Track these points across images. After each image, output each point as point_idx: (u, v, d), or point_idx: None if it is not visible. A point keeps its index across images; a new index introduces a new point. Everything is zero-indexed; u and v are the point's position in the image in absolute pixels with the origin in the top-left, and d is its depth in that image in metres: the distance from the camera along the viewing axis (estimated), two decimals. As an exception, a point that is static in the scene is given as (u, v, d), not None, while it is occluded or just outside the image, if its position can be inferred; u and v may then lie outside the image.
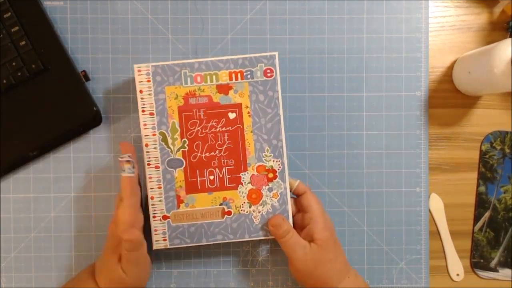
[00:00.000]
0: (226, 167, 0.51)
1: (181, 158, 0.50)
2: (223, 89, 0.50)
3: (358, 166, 0.57)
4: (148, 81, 0.50)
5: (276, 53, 0.50)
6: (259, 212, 0.51)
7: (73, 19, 0.55)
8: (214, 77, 0.50)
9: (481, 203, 0.58)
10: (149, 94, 0.50)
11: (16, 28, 0.52)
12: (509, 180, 0.58)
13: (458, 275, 0.58)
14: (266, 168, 0.51)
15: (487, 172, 0.58)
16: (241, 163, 0.51)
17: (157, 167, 0.51)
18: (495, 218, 0.58)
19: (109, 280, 0.47)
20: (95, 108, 0.53)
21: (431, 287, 0.58)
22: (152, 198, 0.51)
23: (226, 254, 0.56)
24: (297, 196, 0.52)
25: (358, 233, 0.57)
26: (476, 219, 0.59)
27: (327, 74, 0.57)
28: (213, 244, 0.53)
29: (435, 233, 0.58)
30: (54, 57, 0.53)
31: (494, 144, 0.58)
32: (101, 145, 0.56)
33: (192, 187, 0.51)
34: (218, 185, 0.51)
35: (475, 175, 0.59)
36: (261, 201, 0.51)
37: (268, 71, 0.50)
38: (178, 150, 0.50)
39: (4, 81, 0.52)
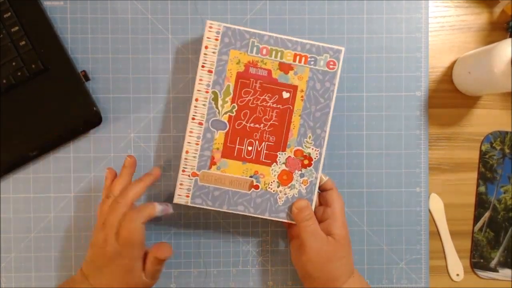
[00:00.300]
0: (266, 142, 0.51)
1: (226, 122, 0.51)
2: (285, 67, 0.51)
3: (358, 166, 0.57)
4: (216, 39, 0.51)
5: (343, 48, 0.51)
6: (285, 194, 0.51)
7: (73, 19, 0.55)
8: (279, 53, 0.51)
9: (481, 203, 0.58)
10: (213, 52, 0.51)
11: (16, 28, 0.52)
12: (509, 180, 0.58)
13: (458, 275, 0.58)
14: (304, 154, 0.51)
15: (487, 172, 0.58)
16: (282, 142, 0.51)
17: (200, 123, 0.51)
18: (495, 218, 0.58)
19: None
20: (95, 108, 0.53)
21: (431, 287, 0.58)
22: (187, 152, 0.51)
23: (226, 254, 0.56)
24: (322, 191, 0.53)
25: (358, 233, 0.57)
26: (476, 219, 0.59)
27: (327, 74, 0.57)
28: (233, 213, 0.54)
29: (435, 233, 0.58)
30: (54, 57, 0.53)
31: (494, 144, 0.58)
32: (101, 145, 0.56)
33: (228, 152, 0.51)
34: (254, 157, 0.51)
35: (475, 175, 0.59)
36: (290, 184, 0.51)
37: (331, 63, 0.51)
38: (226, 113, 0.51)
39: (4, 81, 0.52)
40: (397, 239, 0.57)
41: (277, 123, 0.51)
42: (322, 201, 0.53)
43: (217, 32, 0.51)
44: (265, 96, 0.51)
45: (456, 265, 0.58)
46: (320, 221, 0.51)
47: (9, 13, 0.52)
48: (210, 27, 0.51)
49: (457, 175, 0.58)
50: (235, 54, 0.51)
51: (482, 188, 0.58)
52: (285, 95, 0.51)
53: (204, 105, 0.51)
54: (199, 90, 0.51)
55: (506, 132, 0.58)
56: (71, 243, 0.55)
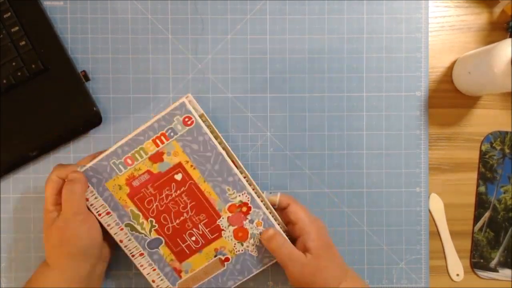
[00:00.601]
0: (201, 223, 0.50)
1: (158, 236, 0.50)
2: (156, 158, 0.48)
3: (358, 166, 0.57)
4: (88, 186, 0.49)
5: (184, 98, 0.47)
6: (252, 245, 0.51)
7: (73, 19, 0.55)
8: (141, 152, 0.48)
9: (481, 203, 0.58)
10: (95, 198, 0.49)
11: (16, 28, 0.52)
12: (509, 180, 0.58)
13: (458, 275, 0.58)
14: (237, 205, 0.50)
15: (487, 172, 0.58)
16: (212, 212, 0.50)
17: (141, 254, 0.51)
18: (495, 218, 0.58)
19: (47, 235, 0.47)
20: (95, 108, 0.53)
21: (431, 287, 0.58)
22: (153, 281, 0.52)
23: (226, 254, 0.56)
24: (282, 210, 0.52)
25: (358, 233, 0.57)
26: (476, 219, 0.59)
27: (327, 74, 0.57)
28: None
29: (435, 233, 0.58)
30: (54, 57, 0.53)
31: (494, 144, 0.58)
32: (101, 145, 0.56)
33: (182, 255, 0.51)
34: (203, 242, 0.51)
35: (475, 175, 0.59)
36: (249, 235, 0.51)
37: (187, 119, 0.48)
38: (151, 230, 0.50)
39: (4, 81, 0.52)
40: (397, 239, 0.57)
41: (195, 202, 0.50)
42: (287, 219, 0.51)
43: (85, 181, 0.49)
44: (165, 192, 0.49)
45: (456, 265, 0.58)
46: (294, 239, 0.50)
47: (9, 13, 0.52)
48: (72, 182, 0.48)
49: (457, 175, 0.58)
50: (111, 184, 0.49)
51: (482, 188, 0.59)
52: (178, 177, 0.49)
53: (129, 240, 0.50)
54: (116, 233, 0.50)
55: (506, 132, 0.58)
56: (71, 243, 0.55)
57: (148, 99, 0.56)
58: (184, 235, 0.51)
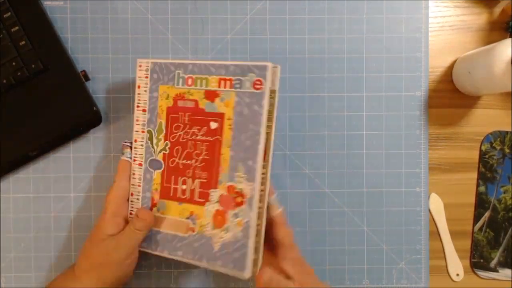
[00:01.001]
0: (199, 179, 0.47)
1: (161, 160, 0.49)
2: (210, 95, 0.46)
3: (358, 166, 0.57)
4: (146, 77, 0.49)
5: (269, 64, 0.44)
6: (221, 237, 0.46)
7: (73, 19, 0.55)
8: (204, 81, 0.47)
9: (481, 203, 0.58)
10: (145, 91, 0.49)
11: (16, 28, 0.52)
12: (509, 180, 0.58)
13: (458, 275, 0.58)
14: (236, 190, 0.46)
15: (487, 172, 0.58)
16: (213, 178, 0.47)
17: (140, 164, 0.50)
18: (495, 218, 0.58)
19: (96, 252, 0.47)
20: (95, 108, 0.53)
21: (431, 287, 0.58)
22: (132, 194, 0.50)
23: (226, 254, 0.56)
24: (270, 223, 0.48)
25: (358, 233, 0.57)
26: (476, 219, 0.59)
27: (327, 74, 0.57)
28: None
29: (435, 233, 0.58)
30: (54, 57, 0.53)
31: (494, 144, 0.58)
32: (101, 145, 0.56)
33: (165, 192, 0.49)
34: (188, 196, 0.48)
35: (475, 175, 0.59)
36: (224, 226, 0.46)
37: (258, 82, 0.44)
38: (160, 151, 0.49)
39: (4, 81, 0.52)
40: (397, 239, 0.57)
41: (208, 157, 0.46)
42: (270, 234, 0.48)
43: (146, 70, 0.49)
44: (194, 129, 0.47)
45: (456, 265, 0.58)
46: (278, 263, 0.47)
47: (9, 13, 0.52)
48: (140, 66, 0.49)
49: (457, 175, 0.58)
50: (163, 89, 0.48)
51: (482, 188, 0.59)
52: (213, 125, 0.46)
53: (142, 145, 0.49)
54: (136, 131, 0.49)
55: (506, 132, 0.58)
56: (71, 243, 0.55)
57: (148, 99, 0.56)
58: (179, 178, 0.48)
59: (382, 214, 0.57)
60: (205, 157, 0.47)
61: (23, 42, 0.52)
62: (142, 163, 0.50)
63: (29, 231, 0.55)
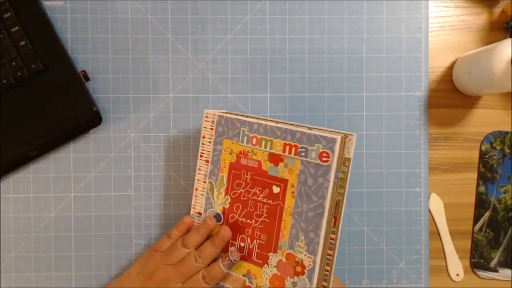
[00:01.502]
0: (258, 240, 0.47)
1: (221, 213, 0.49)
2: (275, 159, 0.46)
3: (358, 166, 0.57)
4: (212, 128, 0.49)
5: (338, 137, 0.42)
6: None
7: (73, 19, 0.55)
8: (269, 143, 0.46)
9: (481, 203, 0.58)
10: (209, 142, 0.49)
11: (16, 28, 0.52)
12: (509, 180, 0.58)
13: (458, 275, 0.58)
14: (296, 259, 0.45)
15: (487, 172, 0.58)
16: (273, 242, 0.46)
17: (199, 213, 0.51)
18: (495, 218, 0.58)
19: None
20: (95, 108, 0.53)
21: (431, 287, 0.58)
22: None
23: (226, 254, 0.56)
24: None
25: (358, 233, 0.57)
26: (476, 219, 0.59)
27: (327, 74, 0.57)
28: None
29: (435, 233, 0.58)
30: (54, 57, 0.53)
31: (494, 144, 0.58)
32: (101, 145, 0.56)
33: (224, 246, 0.49)
34: (246, 255, 0.48)
35: (475, 175, 0.59)
36: None
37: (324, 154, 0.43)
38: (220, 204, 0.49)
39: (4, 81, 0.52)
40: (397, 239, 0.57)
41: (268, 220, 0.46)
42: None
43: (212, 122, 0.49)
44: (256, 189, 0.47)
45: (456, 265, 0.58)
46: None
47: (9, 13, 0.52)
48: (206, 116, 0.50)
49: (457, 175, 0.58)
50: (228, 143, 0.48)
51: (482, 188, 0.59)
52: (276, 189, 0.46)
53: (202, 194, 0.50)
54: (198, 180, 0.50)
55: (506, 132, 0.58)
56: (71, 243, 0.55)
57: (148, 99, 0.56)
58: (238, 234, 0.49)
59: (382, 214, 0.57)
60: (265, 219, 0.47)
61: (23, 42, 0.52)
62: (202, 212, 0.51)
63: (29, 231, 0.55)
